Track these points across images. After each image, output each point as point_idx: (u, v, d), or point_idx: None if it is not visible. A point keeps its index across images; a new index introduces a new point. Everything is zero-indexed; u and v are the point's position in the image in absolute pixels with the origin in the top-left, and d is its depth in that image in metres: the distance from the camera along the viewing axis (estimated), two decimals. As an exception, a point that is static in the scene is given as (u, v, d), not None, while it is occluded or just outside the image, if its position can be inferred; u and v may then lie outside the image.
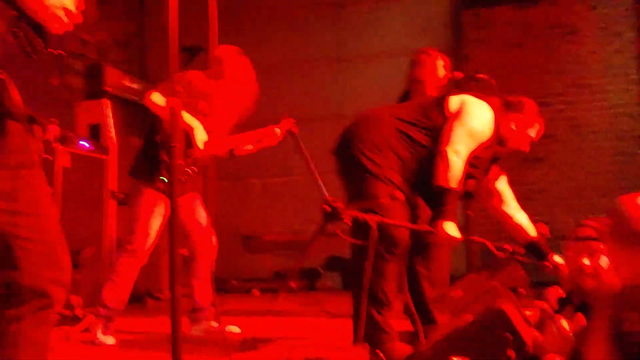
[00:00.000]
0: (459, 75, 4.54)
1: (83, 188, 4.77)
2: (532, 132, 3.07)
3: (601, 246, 2.78)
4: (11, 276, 1.54)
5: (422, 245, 3.00)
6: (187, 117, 3.48)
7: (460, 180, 2.77)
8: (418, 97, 3.98)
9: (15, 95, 1.39)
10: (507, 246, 3.07)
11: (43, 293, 1.57)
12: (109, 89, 5.80)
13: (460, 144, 2.76)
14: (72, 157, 4.74)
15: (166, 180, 3.40)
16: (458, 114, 2.85)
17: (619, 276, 2.55)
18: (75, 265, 3.99)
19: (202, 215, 3.71)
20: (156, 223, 3.51)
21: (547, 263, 3.23)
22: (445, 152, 2.75)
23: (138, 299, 5.45)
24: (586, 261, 2.88)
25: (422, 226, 2.75)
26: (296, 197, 7.05)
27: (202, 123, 3.52)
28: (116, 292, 3.46)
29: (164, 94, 3.46)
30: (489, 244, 2.95)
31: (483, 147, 2.88)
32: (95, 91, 5.93)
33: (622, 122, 6.56)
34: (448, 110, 2.90)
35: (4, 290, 1.56)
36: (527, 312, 2.62)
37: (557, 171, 6.54)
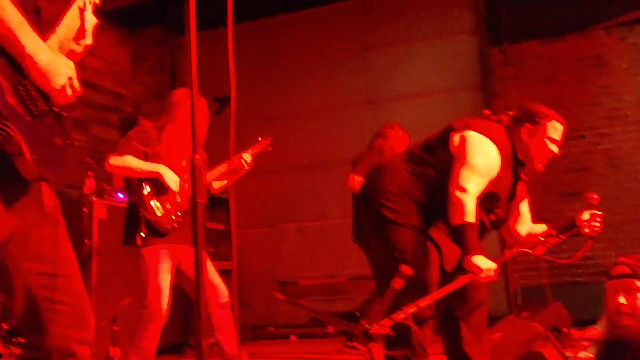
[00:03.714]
0: (487, 112, 4.55)
1: (119, 238, 4.83)
2: (553, 134, 2.96)
3: (638, 283, 2.70)
4: (39, 339, 1.59)
5: (459, 289, 2.94)
6: (151, 166, 3.55)
7: (476, 215, 2.71)
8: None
9: (26, 155, 1.44)
10: (540, 238, 2.94)
11: (70, 353, 1.61)
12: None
13: (465, 181, 2.72)
14: (107, 209, 4.83)
15: (143, 236, 3.49)
16: (460, 152, 2.82)
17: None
18: (114, 319, 4.06)
19: (211, 271, 3.71)
20: (166, 280, 3.52)
21: (580, 228, 3.03)
22: (452, 193, 2.72)
23: (177, 348, 5.45)
24: (622, 299, 2.80)
25: (458, 281, 2.68)
26: (331, 241, 7.03)
27: (171, 167, 3.56)
28: (141, 355, 3.47)
29: (121, 153, 3.57)
30: (522, 250, 2.86)
31: (493, 182, 2.82)
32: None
33: (659, 153, 6.43)
34: (452, 145, 2.88)
35: (31, 353, 1.60)
36: (568, 353, 2.55)
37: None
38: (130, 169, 3.57)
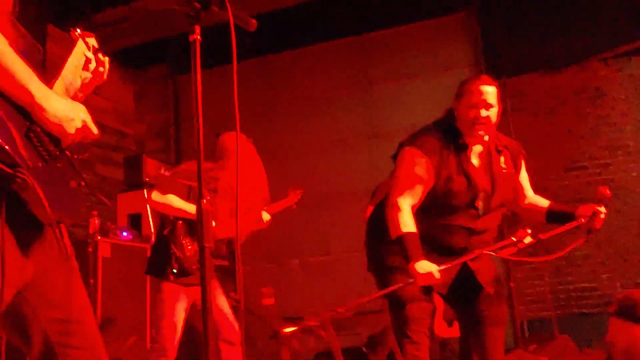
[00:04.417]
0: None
1: (124, 277, 4.84)
2: (472, 99, 2.98)
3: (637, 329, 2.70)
4: None
5: (476, 328, 2.93)
6: (190, 207, 3.55)
7: (413, 223, 2.73)
8: None
9: (43, 201, 1.45)
10: (512, 239, 2.85)
11: None
12: (149, 180, 5.97)
13: (394, 197, 2.84)
14: (112, 247, 4.84)
15: (176, 272, 3.48)
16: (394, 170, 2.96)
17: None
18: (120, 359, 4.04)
19: (222, 303, 3.71)
20: (180, 317, 3.53)
21: (578, 220, 2.90)
22: (386, 211, 2.86)
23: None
24: (619, 342, 2.81)
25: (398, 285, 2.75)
26: (335, 276, 7.00)
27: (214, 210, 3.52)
28: None
29: (163, 190, 3.59)
30: (484, 252, 2.83)
31: (435, 182, 2.85)
32: (135, 182, 6.10)
33: (661, 182, 6.45)
34: None
35: None
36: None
37: (599, 235, 6.39)
38: (170, 207, 3.59)
